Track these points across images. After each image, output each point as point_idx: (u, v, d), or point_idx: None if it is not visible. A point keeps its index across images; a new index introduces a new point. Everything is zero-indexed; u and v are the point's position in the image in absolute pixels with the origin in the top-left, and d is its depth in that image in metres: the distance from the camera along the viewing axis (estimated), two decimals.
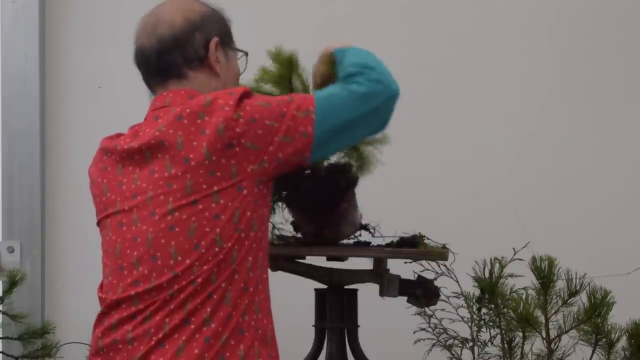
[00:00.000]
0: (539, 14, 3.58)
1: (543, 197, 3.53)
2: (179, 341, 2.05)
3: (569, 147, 3.55)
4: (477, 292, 2.70)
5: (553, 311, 2.61)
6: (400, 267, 2.70)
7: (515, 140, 3.56)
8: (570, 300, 2.60)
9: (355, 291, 2.73)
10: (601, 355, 2.61)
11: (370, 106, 2.12)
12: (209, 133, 2.06)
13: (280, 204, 2.66)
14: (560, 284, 2.61)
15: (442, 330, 2.69)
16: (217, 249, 2.06)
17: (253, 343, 2.10)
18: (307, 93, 2.48)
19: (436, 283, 2.70)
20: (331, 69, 2.30)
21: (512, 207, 3.37)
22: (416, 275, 2.70)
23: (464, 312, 2.70)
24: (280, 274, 2.70)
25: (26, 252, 3.63)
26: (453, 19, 3.59)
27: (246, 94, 2.11)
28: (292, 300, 3.08)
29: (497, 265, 2.69)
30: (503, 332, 2.66)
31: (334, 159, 2.57)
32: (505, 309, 2.64)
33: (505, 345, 2.66)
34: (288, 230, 2.73)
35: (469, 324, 2.68)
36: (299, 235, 2.71)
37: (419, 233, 2.65)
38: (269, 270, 2.50)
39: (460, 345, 2.69)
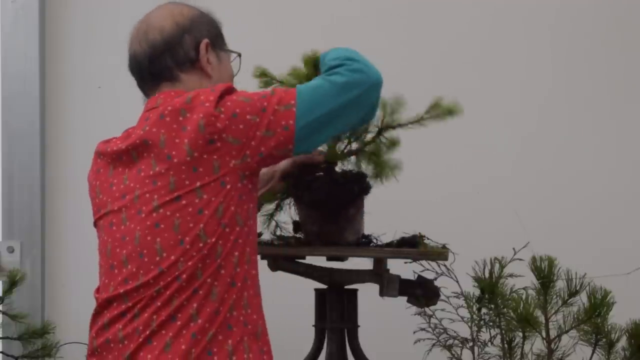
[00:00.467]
0: (539, 14, 3.58)
1: (543, 197, 3.53)
2: (166, 337, 2.07)
3: (569, 147, 3.55)
4: (477, 292, 2.70)
5: (553, 311, 2.61)
6: (400, 267, 2.70)
7: (515, 140, 3.56)
8: (570, 300, 2.60)
9: (355, 291, 2.73)
10: (601, 355, 2.61)
11: (351, 95, 2.13)
12: (190, 129, 2.08)
13: (287, 202, 2.67)
14: (560, 284, 2.61)
15: (442, 330, 2.69)
16: (201, 245, 2.08)
17: (242, 338, 2.11)
18: None
19: (436, 283, 2.70)
20: (315, 72, 2.34)
21: (512, 207, 3.37)
22: (416, 275, 2.70)
23: (464, 312, 2.69)
24: (280, 274, 2.70)
25: (26, 252, 3.63)
26: (453, 19, 3.59)
27: (228, 90, 2.14)
28: (292, 300, 3.09)
29: (497, 265, 2.69)
30: (503, 332, 2.65)
31: (350, 166, 2.60)
32: (505, 309, 2.64)
33: (505, 345, 2.66)
34: (290, 230, 2.73)
35: (469, 324, 2.68)
36: (299, 235, 2.71)
37: (419, 233, 2.66)
38: (272, 272, 2.52)
39: (460, 345, 2.69)
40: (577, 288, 2.59)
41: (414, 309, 2.73)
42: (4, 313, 3.09)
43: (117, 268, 2.14)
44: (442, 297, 2.70)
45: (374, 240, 2.68)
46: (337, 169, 2.62)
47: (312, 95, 2.13)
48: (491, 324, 2.67)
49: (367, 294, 2.74)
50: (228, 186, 2.10)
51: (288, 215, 2.72)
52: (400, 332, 2.82)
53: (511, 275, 2.68)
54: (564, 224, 3.49)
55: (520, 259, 2.68)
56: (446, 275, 2.72)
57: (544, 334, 2.60)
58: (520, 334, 2.63)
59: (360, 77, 2.14)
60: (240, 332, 2.11)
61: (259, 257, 2.54)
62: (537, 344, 2.64)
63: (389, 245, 2.65)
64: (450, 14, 3.59)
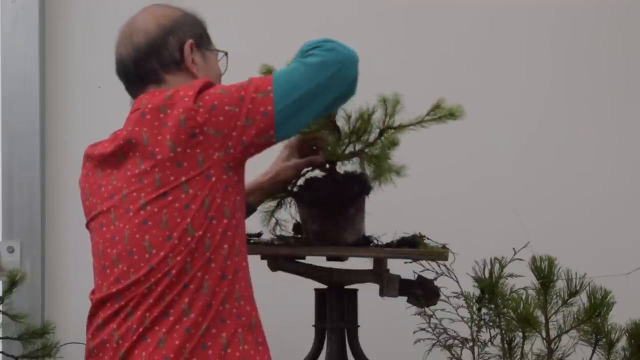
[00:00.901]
0: (539, 14, 3.58)
1: (543, 197, 3.53)
2: (159, 333, 2.08)
3: (569, 147, 3.55)
4: (477, 292, 2.70)
5: (553, 311, 2.61)
6: (400, 267, 2.70)
7: (515, 140, 3.56)
8: (570, 300, 2.60)
9: (355, 291, 2.73)
10: (601, 355, 2.61)
11: (327, 73, 2.14)
12: (171, 125, 2.09)
13: (288, 201, 2.67)
14: (560, 284, 2.61)
15: (442, 330, 2.69)
16: (189, 239, 2.08)
17: (236, 330, 2.12)
18: None
19: (436, 283, 2.70)
20: None
21: (512, 207, 3.37)
22: (416, 275, 2.70)
23: (464, 312, 2.70)
24: (280, 274, 2.70)
25: (26, 252, 3.63)
26: (453, 19, 3.59)
27: (206, 85, 2.14)
28: (292, 300, 3.09)
29: (497, 265, 2.69)
30: (503, 332, 2.66)
31: (351, 167, 2.60)
32: (505, 309, 2.64)
33: (505, 345, 2.66)
34: (289, 230, 2.73)
35: (469, 324, 2.68)
36: (299, 235, 2.71)
37: (419, 233, 2.65)
38: (272, 272, 2.51)
39: (460, 345, 2.69)
40: (577, 288, 2.59)
41: (414, 309, 2.73)
42: (4, 313, 3.09)
43: (109, 268, 2.15)
44: (442, 297, 2.70)
45: (374, 242, 2.68)
46: (339, 170, 2.62)
47: (288, 79, 2.13)
48: (491, 324, 2.67)
49: (367, 294, 2.74)
50: (213, 179, 2.10)
51: (288, 214, 2.72)
52: (400, 332, 2.82)
53: (511, 275, 2.68)
54: (564, 224, 3.49)
55: (520, 259, 2.68)
56: (446, 275, 2.72)
57: (544, 334, 2.60)
58: (520, 334, 2.63)
59: (334, 55, 2.14)
60: (234, 324, 2.12)
61: (258, 257, 2.55)
62: (537, 344, 2.64)
63: (388, 245, 2.65)
64: (450, 14, 3.59)
